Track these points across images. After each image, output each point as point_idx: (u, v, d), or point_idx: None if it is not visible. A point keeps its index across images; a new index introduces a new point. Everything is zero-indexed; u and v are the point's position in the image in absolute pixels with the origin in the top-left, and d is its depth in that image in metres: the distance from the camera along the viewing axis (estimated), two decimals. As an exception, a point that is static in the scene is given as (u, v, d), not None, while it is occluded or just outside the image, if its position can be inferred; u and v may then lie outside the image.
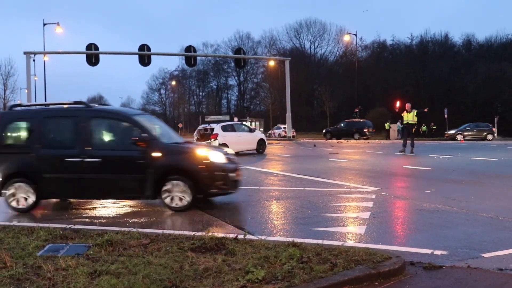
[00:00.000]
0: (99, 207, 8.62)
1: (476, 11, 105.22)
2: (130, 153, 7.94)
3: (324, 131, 45.32)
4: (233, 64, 69.16)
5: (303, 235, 5.95)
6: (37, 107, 8.85)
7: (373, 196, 8.79)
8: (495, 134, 37.77)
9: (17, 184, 8.06)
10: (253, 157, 20.37)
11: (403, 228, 6.53)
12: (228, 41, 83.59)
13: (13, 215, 7.89)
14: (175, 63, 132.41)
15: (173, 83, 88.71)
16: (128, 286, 4.01)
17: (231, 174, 8.12)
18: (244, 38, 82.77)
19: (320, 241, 5.22)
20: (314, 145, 29.27)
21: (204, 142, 18.05)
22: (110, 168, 7.96)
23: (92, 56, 33.68)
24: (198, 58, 46.57)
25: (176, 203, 7.71)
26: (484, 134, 37.08)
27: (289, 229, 6.46)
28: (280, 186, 10.35)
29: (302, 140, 41.81)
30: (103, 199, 8.80)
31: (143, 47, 34.72)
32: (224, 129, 21.64)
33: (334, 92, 62.00)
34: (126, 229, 6.05)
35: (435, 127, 45.27)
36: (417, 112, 20.15)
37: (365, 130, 41.15)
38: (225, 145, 17.56)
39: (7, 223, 6.82)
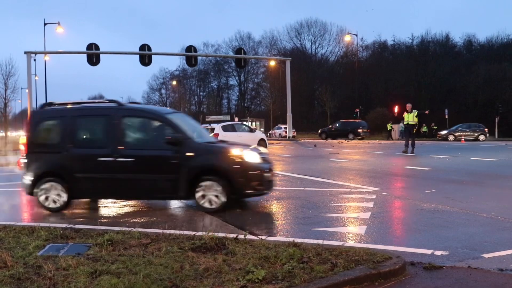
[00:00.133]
0: (100, 206, 8.62)
1: (477, 12, 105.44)
2: (163, 152, 7.80)
3: (319, 131, 45.52)
4: (233, 64, 69.39)
5: (304, 235, 5.95)
6: (69, 106, 8.80)
7: (374, 196, 8.78)
8: (487, 135, 37.84)
9: (49, 184, 8.01)
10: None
11: (403, 229, 6.53)
12: (228, 41, 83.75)
13: (17, 215, 7.89)
14: (175, 63, 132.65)
15: (174, 83, 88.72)
16: (129, 285, 4.02)
17: (266, 174, 7.96)
18: (244, 38, 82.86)
19: (320, 241, 5.21)
20: (315, 145, 29.26)
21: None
22: (143, 168, 7.84)
23: (93, 55, 33.66)
24: (199, 58, 46.46)
25: (210, 204, 7.57)
26: (476, 134, 37.19)
27: (289, 229, 6.46)
28: (280, 186, 10.35)
29: (302, 140, 41.78)
30: (135, 199, 8.71)
31: (143, 47, 34.70)
32: (225, 129, 21.64)
33: (335, 92, 61.95)
34: (127, 228, 6.05)
35: (435, 128, 45.22)
36: (417, 113, 20.15)
37: (359, 131, 41.37)
38: None
39: (8, 223, 6.81)
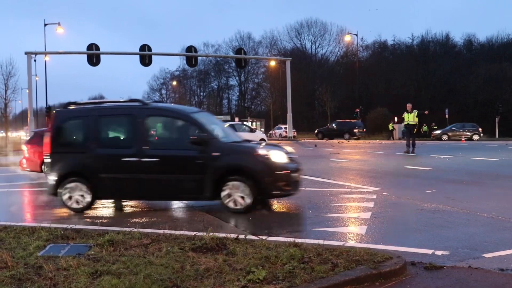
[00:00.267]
0: (100, 207, 8.62)
1: (477, 11, 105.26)
2: (188, 152, 7.70)
3: (316, 131, 45.67)
4: (234, 64, 69.39)
5: (304, 235, 5.96)
6: (92, 105, 8.69)
7: (374, 196, 8.78)
8: (481, 135, 37.86)
9: (73, 184, 7.96)
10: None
11: (404, 228, 6.53)
12: (229, 41, 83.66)
13: (18, 215, 7.89)
14: (176, 63, 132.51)
15: (174, 83, 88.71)
16: (129, 286, 4.02)
17: (293, 175, 7.83)
18: (245, 38, 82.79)
19: (321, 241, 5.21)
20: (315, 145, 29.27)
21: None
22: (168, 168, 7.73)
23: (93, 56, 33.69)
24: (199, 58, 46.45)
25: (236, 204, 7.46)
26: (470, 134, 37.22)
27: (290, 229, 6.45)
28: (281, 186, 10.33)
29: (303, 140, 41.78)
30: (160, 200, 8.61)
31: (144, 47, 34.74)
32: (225, 129, 21.60)
33: (335, 92, 61.92)
34: (127, 229, 6.05)
35: (436, 127, 45.22)
36: (417, 113, 20.15)
37: (355, 131, 41.51)
38: None
39: (8, 223, 6.82)
